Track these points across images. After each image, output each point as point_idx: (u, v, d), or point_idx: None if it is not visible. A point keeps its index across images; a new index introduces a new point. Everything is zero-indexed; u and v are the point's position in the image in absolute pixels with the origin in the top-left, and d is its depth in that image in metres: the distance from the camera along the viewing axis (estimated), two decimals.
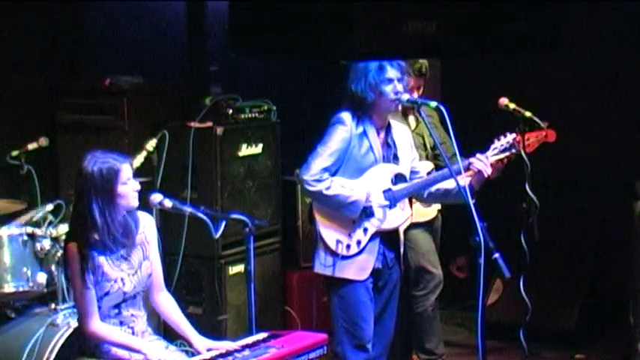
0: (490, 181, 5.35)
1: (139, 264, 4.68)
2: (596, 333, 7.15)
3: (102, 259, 4.56)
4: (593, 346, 6.99)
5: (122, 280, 4.60)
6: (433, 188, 5.33)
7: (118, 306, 4.62)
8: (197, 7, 6.98)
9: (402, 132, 5.43)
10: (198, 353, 4.63)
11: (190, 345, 4.71)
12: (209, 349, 4.62)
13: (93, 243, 4.54)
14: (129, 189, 4.59)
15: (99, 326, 4.55)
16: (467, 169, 5.16)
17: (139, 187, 4.65)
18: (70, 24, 6.98)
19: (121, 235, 4.60)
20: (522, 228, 5.52)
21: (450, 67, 7.90)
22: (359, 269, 5.24)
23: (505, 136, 5.34)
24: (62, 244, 5.55)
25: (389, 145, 5.34)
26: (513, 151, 5.32)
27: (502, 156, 5.31)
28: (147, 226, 4.76)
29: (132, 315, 4.68)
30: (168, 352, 4.65)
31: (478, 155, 5.20)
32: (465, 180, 5.10)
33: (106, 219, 4.54)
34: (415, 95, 5.83)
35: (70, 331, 5.25)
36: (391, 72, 5.17)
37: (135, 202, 4.63)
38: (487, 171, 5.17)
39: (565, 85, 7.66)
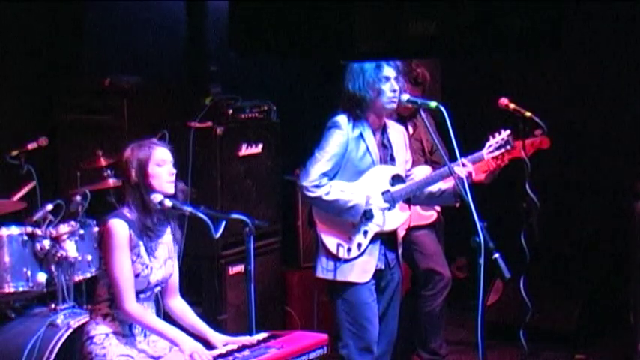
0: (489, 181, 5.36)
1: (164, 260, 4.73)
2: (596, 333, 7.14)
3: (140, 242, 4.61)
4: (593, 346, 6.98)
5: (151, 268, 4.64)
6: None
7: (137, 295, 4.62)
8: (197, 7, 6.97)
9: (397, 132, 5.42)
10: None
11: (207, 343, 4.69)
12: (226, 344, 4.64)
13: (134, 225, 4.59)
14: (162, 172, 4.63)
15: (136, 306, 4.56)
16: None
17: (174, 171, 4.68)
18: (70, 24, 6.98)
19: (154, 229, 4.66)
20: (522, 228, 5.51)
21: (450, 67, 7.89)
22: (361, 271, 5.24)
23: (500, 133, 5.35)
24: (62, 244, 5.57)
25: (385, 147, 5.33)
26: (509, 147, 5.32)
27: (497, 153, 5.31)
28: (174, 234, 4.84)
29: None
30: (199, 346, 4.58)
31: (457, 167, 5.15)
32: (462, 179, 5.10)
33: (142, 204, 4.59)
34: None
35: (70, 331, 5.26)
36: (388, 70, 5.17)
37: (169, 188, 4.65)
38: (473, 177, 5.18)
39: (564, 85, 7.66)
